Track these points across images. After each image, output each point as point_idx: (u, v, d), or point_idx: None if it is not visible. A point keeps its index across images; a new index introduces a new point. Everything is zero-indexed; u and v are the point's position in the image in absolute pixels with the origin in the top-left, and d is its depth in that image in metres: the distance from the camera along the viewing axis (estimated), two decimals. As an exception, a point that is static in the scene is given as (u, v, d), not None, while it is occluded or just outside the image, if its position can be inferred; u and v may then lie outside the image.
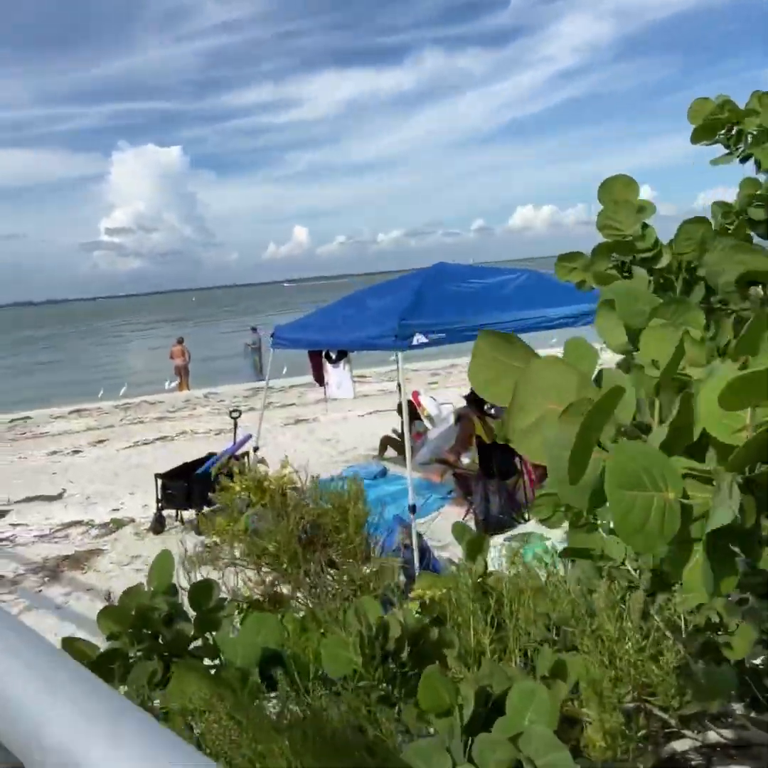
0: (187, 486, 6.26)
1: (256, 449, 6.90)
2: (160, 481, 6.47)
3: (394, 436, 8.17)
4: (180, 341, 22.70)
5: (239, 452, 7.18)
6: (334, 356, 6.13)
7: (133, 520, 6.96)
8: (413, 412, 7.80)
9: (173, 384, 21.70)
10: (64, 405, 21.98)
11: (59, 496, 8.27)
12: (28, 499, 8.24)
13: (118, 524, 6.84)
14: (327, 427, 10.67)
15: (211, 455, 7.23)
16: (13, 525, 7.27)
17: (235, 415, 7.32)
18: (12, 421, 15.37)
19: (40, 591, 5.27)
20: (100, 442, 11.62)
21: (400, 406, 7.47)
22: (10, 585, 5.48)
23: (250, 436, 7.29)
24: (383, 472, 7.56)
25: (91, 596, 5.04)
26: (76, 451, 10.99)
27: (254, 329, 23.69)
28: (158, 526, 6.40)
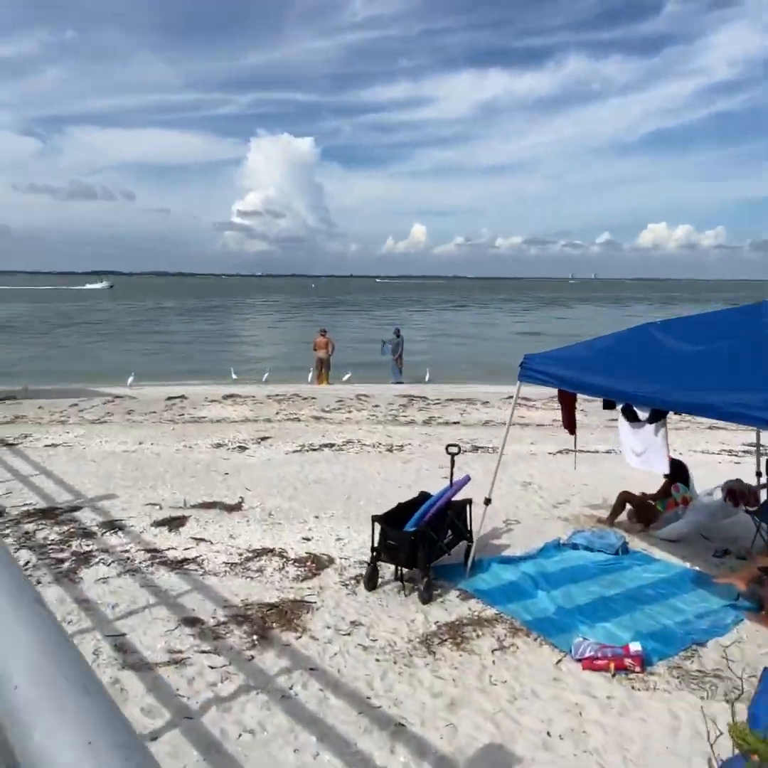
0: (413, 542, 5.17)
1: (487, 502, 5.73)
2: (377, 526, 5.43)
3: (639, 496, 6.73)
4: (323, 333, 22.21)
5: (456, 497, 6.05)
6: (643, 414, 4.81)
7: (331, 560, 5.99)
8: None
9: (311, 376, 21.25)
10: (202, 381, 22.12)
11: (238, 507, 7.48)
12: (205, 505, 7.52)
13: (318, 563, 5.88)
14: (515, 464, 9.38)
15: (424, 495, 6.14)
16: (196, 540, 6.50)
17: (453, 450, 6.18)
18: (169, 398, 15.16)
19: (252, 658, 4.34)
20: (264, 439, 10.93)
21: (674, 472, 6.06)
22: (212, 638, 4.60)
23: (468, 479, 6.14)
24: (624, 546, 6.19)
25: (321, 683, 4.04)
26: (241, 448, 10.33)
27: (398, 332, 22.77)
28: (372, 581, 5.36)
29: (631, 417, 4.92)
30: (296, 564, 5.90)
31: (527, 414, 13.60)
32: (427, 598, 5.10)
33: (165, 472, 8.81)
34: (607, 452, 9.94)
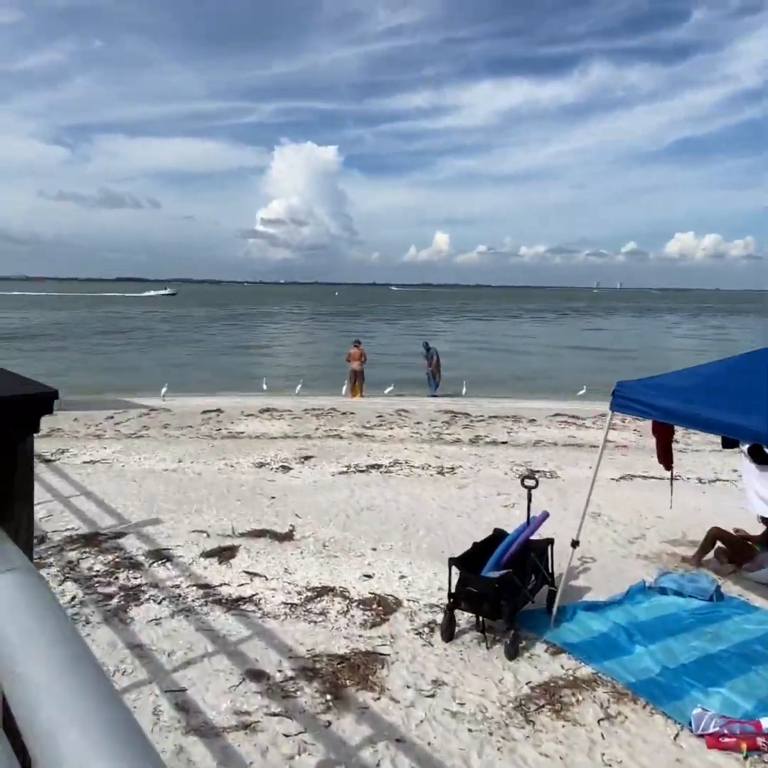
0: (497, 590, 4.67)
1: (575, 544, 5.21)
2: (455, 570, 4.95)
3: (734, 533, 6.13)
4: (357, 344, 21.82)
5: (535, 536, 5.55)
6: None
7: (398, 602, 5.51)
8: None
9: (345, 388, 20.88)
10: (234, 393, 21.81)
11: (290, 536, 7.04)
12: (255, 534, 7.09)
13: (385, 606, 5.41)
14: (578, 491, 8.84)
15: (499, 533, 5.65)
16: (249, 574, 6.07)
17: (530, 483, 5.68)
18: (205, 412, 14.82)
19: (329, 725, 3.87)
20: (307, 458, 10.50)
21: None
22: (281, 697, 4.14)
23: (547, 515, 5.64)
24: (718, 592, 5.63)
25: (411, 759, 3.56)
26: (285, 467, 9.90)
27: (427, 346, 22.25)
28: (449, 631, 4.88)
29: (761, 458, 4.37)
30: (361, 606, 5.44)
31: (578, 434, 13.04)
32: (513, 653, 4.60)
33: (209, 495, 8.41)
34: (676, 479, 9.34)
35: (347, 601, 5.52)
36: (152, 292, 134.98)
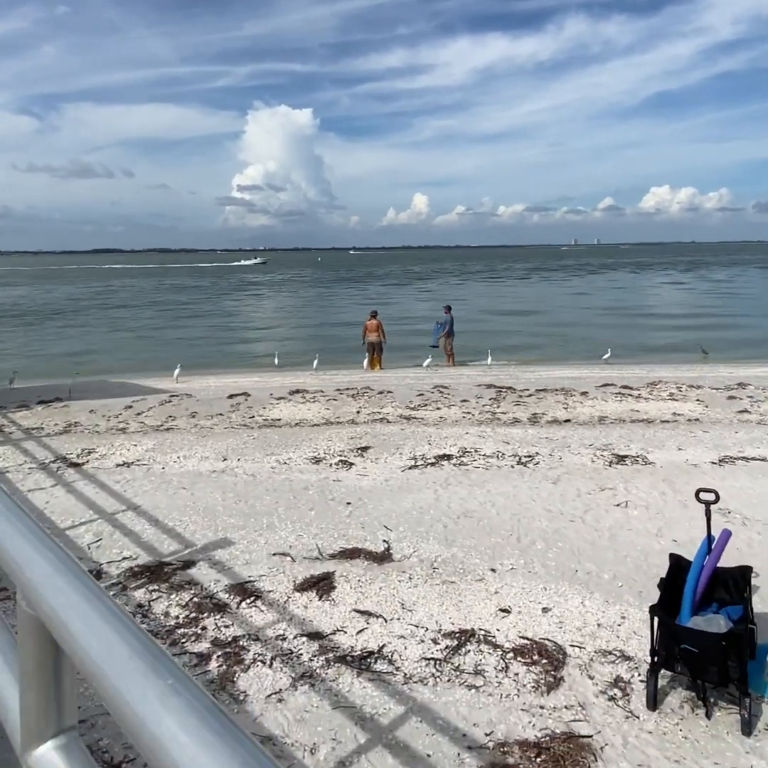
0: (725, 648, 3.69)
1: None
2: (657, 621, 3.95)
3: None
4: (374, 315, 20.76)
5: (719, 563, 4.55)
6: None
7: (561, 651, 4.53)
8: None
9: (366, 362, 19.91)
10: (247, 370, 20.65)
11: (388, 556, 6.03)
12: (346, 554, 6.07)
13: (548, 658, 4.42)
14: (679, 479, 7.89)
15: (676, 560, 4.64)
16: (362, 614, 5.06)
17: (708, 498, 4.65)
18: (231, 396, 13.68)
19: None
20: (364, 449, 9.45)
21: None
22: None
23: (729, 535, 4.64)
24: None
25: None
26: (344, 462, 8.85)
27: (449, 308, 21.19)
28: (655, 697, 3.90)
29: None
30: (519, 658, 4.45)
31: (639, 406, 12.07)
32: (751, 728, 3.64)
33: (275, 504, 7.36)
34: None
35: (499, 651, 4.53)
36: (244, 262, 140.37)
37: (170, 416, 12.21)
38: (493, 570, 5.76)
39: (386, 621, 4.97)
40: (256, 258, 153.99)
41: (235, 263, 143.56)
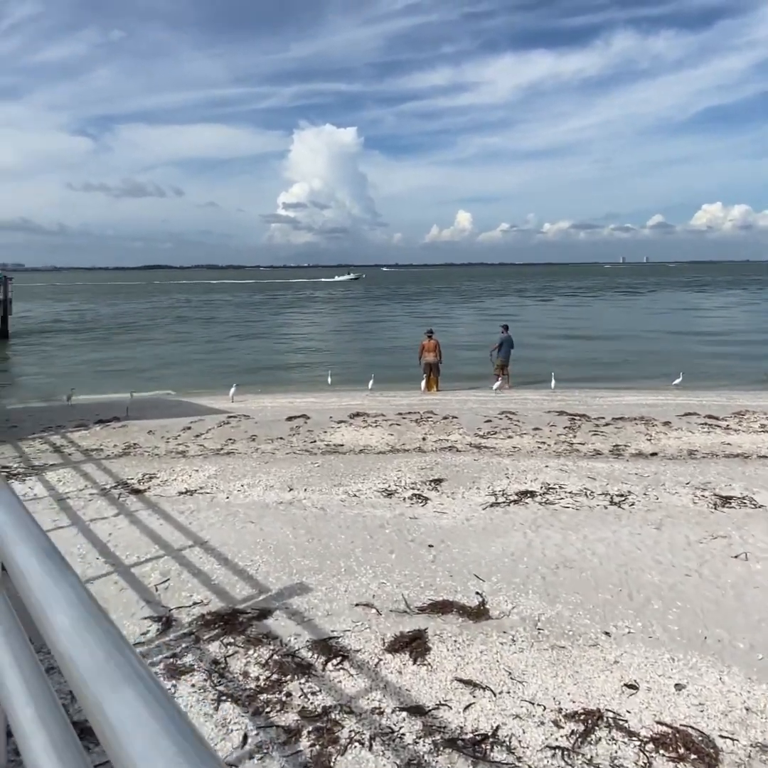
0: None
1: None
2: None
3: None
4: (430, 334, 20.25)
5: None
6: None
7: (709, 742, 3.83)
8: None
9: (423, 384, 19.40)
10: (301, 389, 20.26)
11: (484, 612, 5.40)
12: (437, 608, 5.46)
13: (698, 753, 3.73)
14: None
15: None
16: (466, 684, 4.44)
17: None
18: (290, 418, 13.25)
19: None
20: (438, 482, 8.84)
21: None
22: None
23: None
24: None
25: None
26: (418, 496, 8.26)
27: (506, 328, 20.58)
28: None
29: None
30: (661, 751, 3.76)
31: (730, 439, 11.20)
32: None
33: (351, 543, 6.80)
34: None
35: (635, 740, 3.85)
36: (337, 278, 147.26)
37: (230, 439, 11.82)
38: (607, 634, 5.08)
39: (495, 695, 4.34)
40: (349, 274, 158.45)
41: (327, 279, 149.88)
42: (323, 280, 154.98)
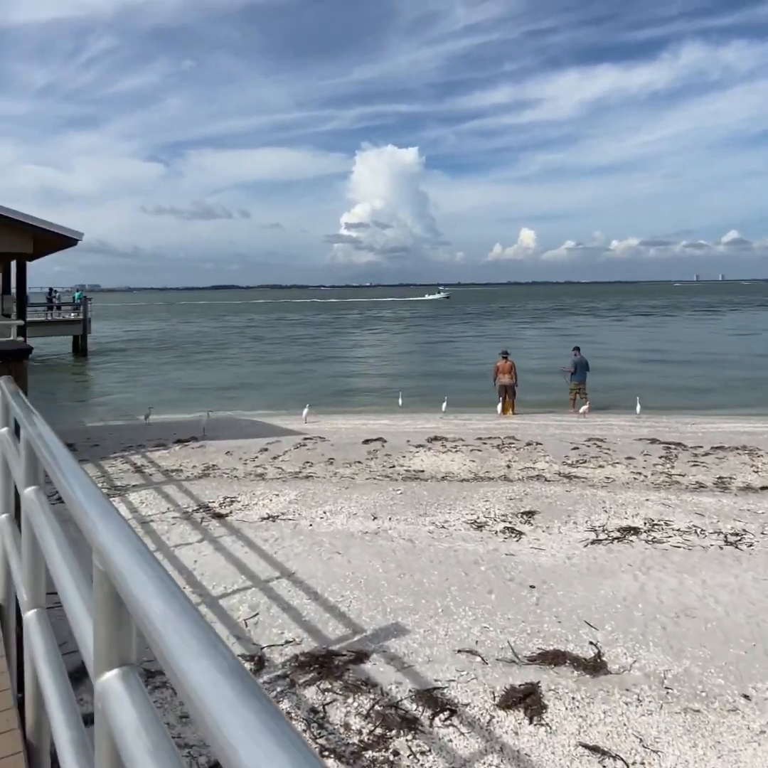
0: None
1: None
2: None
3: None
4: (505, 355, 19.67)
5: None
6: None
7: None
8: None
9: (500, 406, 18.84)
10: (373, 411, 19.98)
11: (601, 665, 4.89)
12: (547, 658, 4.98)
13: None
14: None
15: None
16: (594, 751, 3.96)
17: None
18: (366, 442, 12.97)
19: None
20: (530, 515, 8.34)
21: None
22: None
23: None
24: None
25: None
26: (511, 530, 7.78)
27: (578, 349, 19.86)
28: None
29: None
30: None
31: None
32: None
33: (445, 581, 6.39)
34: None
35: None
36: (428, 296, 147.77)
37: (307, 462, 11.61)
38: (746, 697, 4.50)
39: (628, 766, 3.84)
40: (439, 292, 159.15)
41: (416, 298, 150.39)
42: (412, 298, 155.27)
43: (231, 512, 8.66)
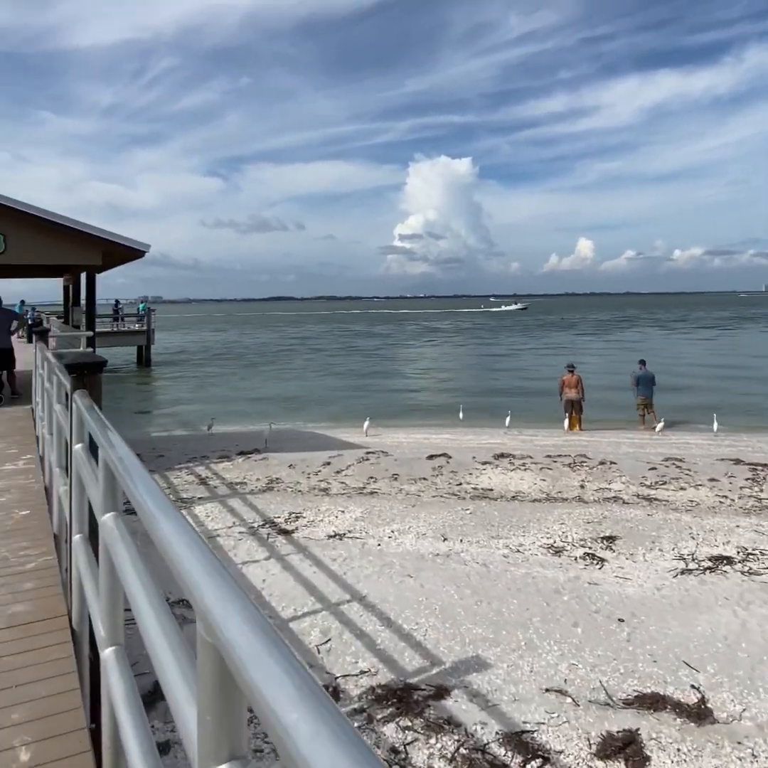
0: None
1: None
2: None
3: None
4: (571, 368, 19.04)
5: None
6: None
7: None
8: None
9: (566, 423, 18.23)
10: (433, 424, 19.62)
11: (706, 712, 4.44)
12: (645, 702, 4.56)
13: None
14: None
15: None
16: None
17: None
18: (430, 457, 12.66)
19: None
20: (610, 540, 7.87)
21: None
22: None
23: None
24: None
25: None
26: (592, 557, 7.33)
27: (643, 363, 19.11)
28: None
29: None
30: None
31: None
32: None
33: (525, 610, 6.02)
34: None
35: None
36: (504, 307, 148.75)
37: (371, 477, 11.38)
38: None
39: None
40: (516, 304, 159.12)
41: (493, 309, 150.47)
42: (490, 309, 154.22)
43: (297, 528, 8.48)
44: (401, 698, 4.70)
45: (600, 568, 7.02)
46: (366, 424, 16.71)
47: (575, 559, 7.31)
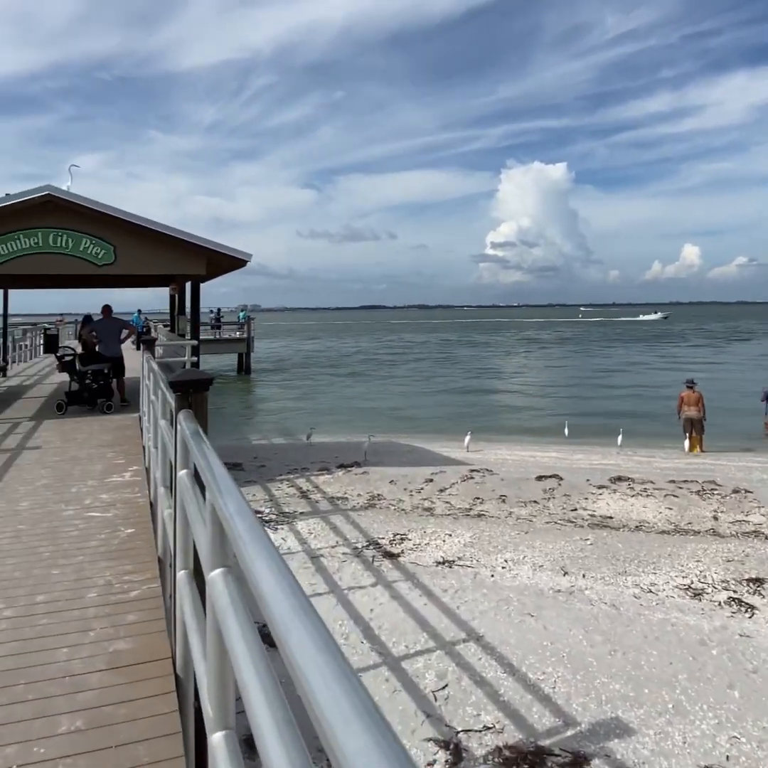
0: None
1: None
2: None
3: None
4: (691, 385, 17.67)
5: None
6: None
7: None
8: None
9: (686, 444, 16.91)
10: (537, 440, 18.70)
11: None
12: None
13: None
14: None
15: None
16: None
17: None
18: (540, 479, 11.92)
19: None
20: (757, 583, 6.93)
21: None
22: None
23: None
24: None
25: None
26: (739, 603, 6.45)
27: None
28: None
29: None
30: None
31: None
32: None
33: (668, 665, 5.28)
34: None
35: None
36: (642, 317, 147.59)
37: (477, 498, 10.78)
38: None
39: None
40: (655, 313, 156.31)
41: (629, 318, 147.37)
42: (625, 318, 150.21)
43: (403, 552, 8.03)
44: (533, 764, 4.12)
45: (750, 617, 6.15)
46: (467, 438, 16.10)
47: (719, 604, 6.46)
